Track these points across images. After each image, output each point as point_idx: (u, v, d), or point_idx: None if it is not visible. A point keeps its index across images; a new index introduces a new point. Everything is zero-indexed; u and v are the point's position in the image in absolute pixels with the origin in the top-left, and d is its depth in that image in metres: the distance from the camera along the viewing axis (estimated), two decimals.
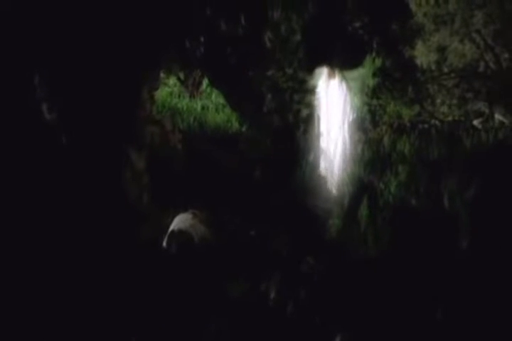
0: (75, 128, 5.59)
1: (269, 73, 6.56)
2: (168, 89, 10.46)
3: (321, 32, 6.62)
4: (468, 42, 8.07)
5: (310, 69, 6.85)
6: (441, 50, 8.04)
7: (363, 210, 6.36)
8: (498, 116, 8.60)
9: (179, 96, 10.20)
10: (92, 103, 5.60)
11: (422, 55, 8.60)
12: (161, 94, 9.70)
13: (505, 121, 8.47)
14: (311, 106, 7.03)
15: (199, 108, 9.32)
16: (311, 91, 6.95)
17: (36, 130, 5.54)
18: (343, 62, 7.16)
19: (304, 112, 6.91)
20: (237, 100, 6.98)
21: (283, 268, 6.17)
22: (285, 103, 6.77)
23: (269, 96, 6.66)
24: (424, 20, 8.16)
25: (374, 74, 7.77)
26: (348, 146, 7.55)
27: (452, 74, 8.04)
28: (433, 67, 8.06)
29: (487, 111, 8.72)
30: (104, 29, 5.50)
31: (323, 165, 7.37)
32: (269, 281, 5.93)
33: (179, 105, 9.64)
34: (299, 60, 6.67)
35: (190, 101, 9.91)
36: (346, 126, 7.66)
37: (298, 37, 6.49)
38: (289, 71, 6.68)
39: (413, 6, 8.18)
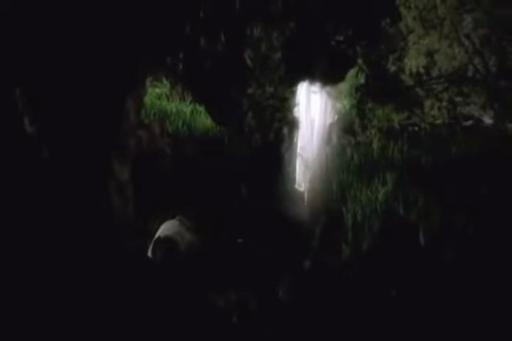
0: (56, 141, 5.54)
1: (250, 91, 6.52)
2: (159, 90, 10.34)
3: (303, 47, 6.56)
4: (457, 47, 8.04)
5: (291, 86, 6.82)
6: (430, 54, 8.01)
7: (349, 219, 6.35)
8: (487, 120, 8.59)
9: (168, 98, 10.10)
10: (74, 115, 5.55)
11: (412, 59, 8.58)
12: (150, 96, 9.65)
13: (494, 124, 8.46)
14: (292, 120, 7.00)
15: (188, 111, 9.24)
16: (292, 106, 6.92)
17: (18, 142, 5.49)
18: (325, 76, 7.13)
19: (286, 130, 6.89)
20: (219, 117, 6.95)
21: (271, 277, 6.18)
22: (266, 121, 6.73)
23: (250, 114, 6.62)
24: (414, 25, 8.12)
25: (357, 89, 7.73)
26: (328, 154, 7.53)
27: (441, 79, 8.01)
28: (422, 71, 8.03)
29: (476, 114, 8.71)
30: (85, 41, 5.44)
31: (303, 176, 7.38)
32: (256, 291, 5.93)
33: (168, 107, 9.55)
34: (280, 78, 6.63)
35: (180, 103, 9.81)
36: (326, 134, 7.64)
37: (278, 54, 6.44)
38: (270, 89, 6.64)
39: (402, 10, 8.15)
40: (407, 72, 8.36)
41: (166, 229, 6.64)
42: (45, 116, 5.50)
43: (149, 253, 6.44)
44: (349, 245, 6.20)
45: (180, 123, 9.03)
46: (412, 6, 8.04)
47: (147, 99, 9.25)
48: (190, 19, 5.77)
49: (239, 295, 5.98)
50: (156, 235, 6.59)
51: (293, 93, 7.06)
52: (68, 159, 5.59)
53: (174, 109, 9.39)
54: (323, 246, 6.41)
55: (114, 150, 5.90)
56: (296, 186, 7.57)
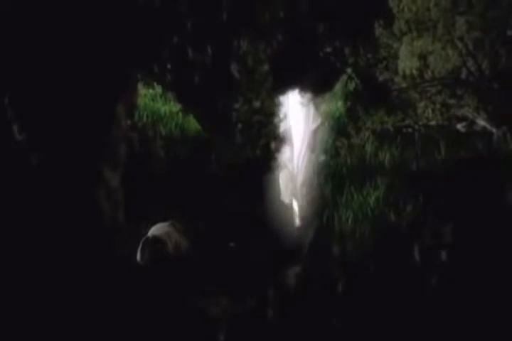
0: (46, 148, 5.51)
1: (236, 106, 6.48)
2: (152, 91, 10.27)
3: (291, 58, 6.52)
4: (450, 49, 8.00)
5: (279, 95, 6.78)
6: (423, 57, 7.98)
7: (342, 224, 6.33)
8: (480, 122, 8.57)
9: (161, 97, 10.01)
10: (63, 123, 5.53)
11: (405, 61, 8.56)
12: (144, 98, 9.61)
13: (487, 126, 8.44)
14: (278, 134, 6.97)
15: (181, 113, 9.20)
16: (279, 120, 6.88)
17: (7, 150, 5.47)
18: (314, 86, 7.09)
19: (273, 145, 6.85)
20: (208, 127, 6.92)
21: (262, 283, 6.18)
22: (253, 137, 6.70)
23: (238, 128, 6.59)
24: (406, 27, 8.10)
25: (347, 97, 7.69)
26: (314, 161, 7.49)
27: (435, 82, 7.97)
28: (415, 73, 7.99)
29: (470, 116, 8.69)
30: (74, 50, 5.41)
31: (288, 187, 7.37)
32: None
33: (162, 109, 9.51)
34: (267, 92, 6.58)
35: (174, 105, 9.76)
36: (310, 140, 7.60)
37: (266, 67, 6.39)
38: (256, 104, 6.60)
39: (396, 13, 8.13)
40: (401, 73, 8.33)
41: (155, 229, 6.62)
42: (34, 124, 5.48)
43: (138, 254, 6.40)
44: (340, 250, 6.18)
45: (174, 126, 9.00)
46: (406, 8, 8.00)
47: (141, 101, 9.23)
48: (176, 31, 5.73)
49: (229, 299, 5.99)
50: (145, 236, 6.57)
51: (279, 105, 7.03)
52: (58, 167, 5.57)
53: (168, 111, 9.35)
54: (313, 251, 6.39)
55: (105, 158, 5.88)
56: (282, 197, 7.57)
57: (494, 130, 8.30)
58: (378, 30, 8.81)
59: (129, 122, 7.52)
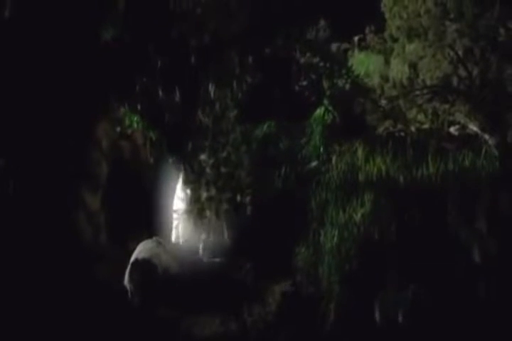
0: (24, 174, 5.47)
1: (202, 157, 6.37)
2: None
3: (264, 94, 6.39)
4: (441, 56, 7.93)
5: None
6: (414, 65, 7.90)
7: (327, 242, 6.32)
8: (472, 127, 8.51)
9: None
10: (41, 148, 5.49)
11: (398, 65, 8.49)
12: None
13: (479, 132, 8.39)
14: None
15: None
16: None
17: None
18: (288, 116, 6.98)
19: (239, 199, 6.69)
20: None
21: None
22: (219, 190, 6.58)
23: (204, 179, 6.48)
24: (398, 34, 8.01)
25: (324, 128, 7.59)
26: None
27: (424, 91, 7.89)
28: (405, 82, 7.91)
29: (462, 121, 8.63)
30: (46, 75, 5.35)
31: None
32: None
33: None
34: (234, 142, 6.43)
35: None
36: None
37: (234, 113, 6.25)
38: (223, 154, 6.48)
39: (387, 19, 8.05)
40: (391, 80, 8.26)
41: (143, 250, 6.54)
42: (11, 150, 5.44)
43: (126, 277, 6.35)
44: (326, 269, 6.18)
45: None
46: (397, 15, 7.90)
47: None
48: (145, 72, 5.65)
49: (216, 318, 6.00)
50: (133, 256, 6.50)
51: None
52: (36, 192, 5.55)
53: None
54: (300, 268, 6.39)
55: (84, 181, 5.85)
56: None
57: (486, 136, 8.24)
58: (369, 36, 8.76)
59: (118, 129, 7.47)
